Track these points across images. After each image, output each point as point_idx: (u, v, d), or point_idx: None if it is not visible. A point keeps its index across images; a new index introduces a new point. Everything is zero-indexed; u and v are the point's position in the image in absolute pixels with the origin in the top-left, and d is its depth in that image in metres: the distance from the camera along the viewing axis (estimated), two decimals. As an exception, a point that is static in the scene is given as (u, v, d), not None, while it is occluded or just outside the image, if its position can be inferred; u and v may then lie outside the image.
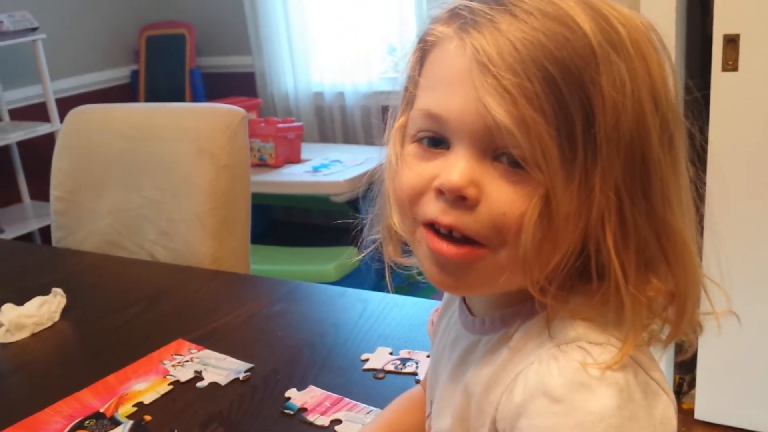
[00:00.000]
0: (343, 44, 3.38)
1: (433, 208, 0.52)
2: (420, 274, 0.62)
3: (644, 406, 0.49)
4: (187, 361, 1.07)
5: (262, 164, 3.10)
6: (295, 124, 3.19)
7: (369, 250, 0.67)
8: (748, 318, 1.76)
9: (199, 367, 1.05)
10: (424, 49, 0.56)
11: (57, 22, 3.38)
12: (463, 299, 0.64)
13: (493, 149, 0.50)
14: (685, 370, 2.11)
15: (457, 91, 0.50)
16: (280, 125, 3.10)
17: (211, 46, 3.77)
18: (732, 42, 1.77)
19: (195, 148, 1.50)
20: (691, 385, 2.03)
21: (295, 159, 3.13)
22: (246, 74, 3.71)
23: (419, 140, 0.55)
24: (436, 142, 0.53)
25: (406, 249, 0.63)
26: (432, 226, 0.53)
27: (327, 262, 2.75)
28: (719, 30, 1.76)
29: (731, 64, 1.78)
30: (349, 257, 2.77)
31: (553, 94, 0.47)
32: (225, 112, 1.53)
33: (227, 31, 3.72)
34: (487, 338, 0.58)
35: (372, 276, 2.81)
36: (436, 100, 0.52)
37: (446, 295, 0.71)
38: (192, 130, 1.53)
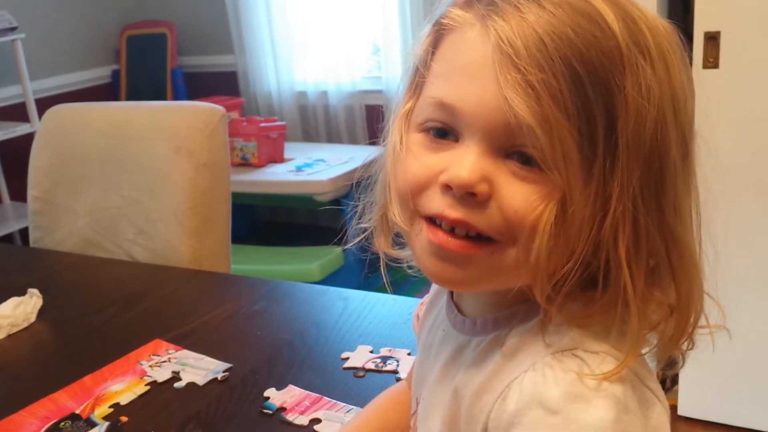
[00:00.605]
0: (326, 43, 3.36)
1: (438, 203, 0.50)
2: (410, 267, 0.61)
3: (639, 417, 0.48)
4: (164, 361, 1.06)
5: (245, 164, 3.08)
6: (277, 123, 3.17)
7: (357, 240, 0.64)
8: (731, 314, 1.76)
9: (176, 368, 1.04)
10: (440, 32, 0.52)
11: (37, 21, 3.34)
12: (451, 296, 0.62)
13: (507, 147, 0.48)
14: (668, 366, 2.11)
15: (476, 82, 0.48)
16: (263, 124, 3.09)
17: (193, 45, 3.74)
18: (713, 39, 1.78)
19: (174, 146, 1.48)
20: (675, 381, 2.04)
21: (278, 158, 3.11)
22: (228, 73, 3.69)
23: (426, 130, 0.52)
24: (444, 133, 0.51)
25: (397, 241, 0.61)
26: (433, 220, 0.51)
27: (310, 261, 2.74)
28: (700, 27, 1.76)
29: (712, 61, 1.79)
30: (332, 257, 2.76)
31: (578, 94, 0.45)
32: (204, 110, 1.52)
33: (209, 31, 3.70)
34: (478, 340, 0.56)
35: (356, 275, 2.81)
36: (450, 90, 0.49)
37: (433, 289, 0.69)
38: (171, 129, 1.51)
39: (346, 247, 0.69)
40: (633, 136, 0.46)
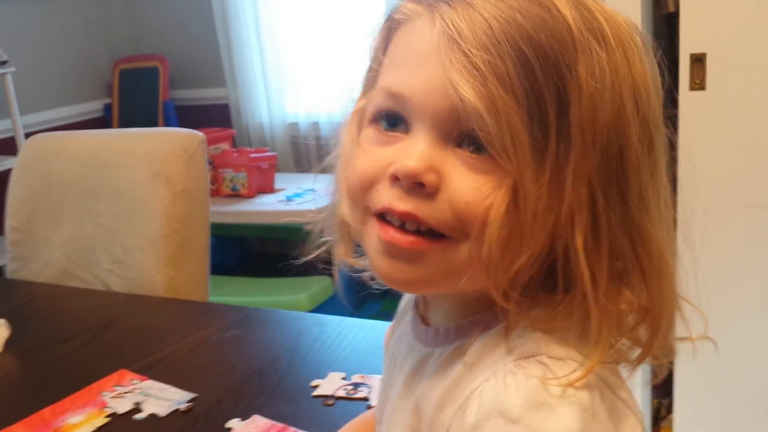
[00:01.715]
0: (317, 75, 3.36)
1: (387, 195, 0.48)
2: (373, 279, 0.58)
3: (609, 428, 0.45)
4: (127, 392, 1.01)
5: (234, 194, 3.06)
6: (268, 153, 3.16)
7: (317, 251, 0.61)
8: (725, 340, 1.72)
9: (139, 398, 0.99)
10: (391, 27, 0.52)
11: (28, 55, 3.35)
12: (416, 307, 0.59)
13: (457, 134, 0.46)
14: (663, 394, 2.06)
15: (423, 68, 0.46)
16: (253, 155, 3.07)
17: (185, 78, 3.75)
18: (699, 61, 1.76)
19: (150, 172, 1.45)
20: (669, 409, 1.98)
21: (268, 189, 3.09)
22: (220, 106, 3.69)
23: (377, 121, 0.50)
24: (394, 123, 0.49)
25: (359, 251, 0.58)
26: (384, 217, 0.49)
27: (299, 292, 2.70)
28: (686, 49, 1.75)
29: (698, 83, 1.77)
30: (321, 287, 2.72)
31: (527, 77, 0.43)
32: (182, 135, 1.49)
33: (201, 64, 3.71)
34: (440, 350, 0.53)
35: (347, 305, 2.77)
36: (398, 78, 0.49)
37: (400, 306, 0.67)
38: (148, 155, 1.49)
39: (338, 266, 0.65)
40: (587, 120, 0.44)
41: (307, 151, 3.50)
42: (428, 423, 0.51)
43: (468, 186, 0.45)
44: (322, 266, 0.65)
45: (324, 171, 0.61)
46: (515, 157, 0.44)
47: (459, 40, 0.44)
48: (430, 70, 0.46)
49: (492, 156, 0.45)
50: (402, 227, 0.48)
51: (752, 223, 1.74)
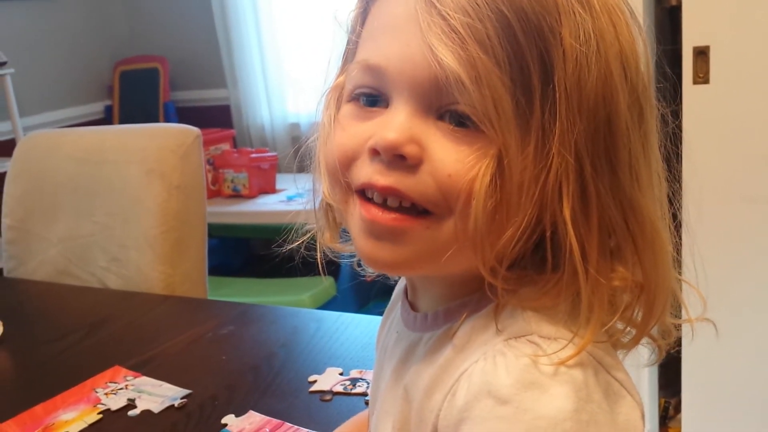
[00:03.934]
0: (318, 74, 3.34)
1: (367, 171, 0.46)
2: (360, 265, 0.57)
3: (605, 409, 0.42)
4: (121, 388, 0.99)
5: (236, 195, 3.05)
6: (269, 154, 3.14)
7: (302, 239, 0.60)
8: (733, 337, 1.69)
9: (133, 395, 0.97)
10: (368, 0, 0.50)
11: (28, 56, 3.34)
12: (406, 295, 0.57)
13: (437, 105, 0.44)
14: (671, 394, 2.03)
15: (400, 37, 0.45)
16: (254, 155, 3.06)
17: (185, 79, 3.73)
18: (702, 54, 1.74)
19: (145, 168, 1.44)
20: (678, 408, 1.96)
21: (269, 189, 3.07)
22: (221, 107, 3.67)
23: (356, 98, 0.49)
24: (374, 100, 0.47)
25: (345, 237, 0.56)
26: (365, 195, 0.47)
27: (302, 292, 2.68)
28: (689, 43, 1.73)
29: (702, 76, 1.75)
30: (324, 286, 2.70)
31: (508, 40, 0.42)
32: (177, 131, 1.47)
33: (202, 64, 3.69)
34: (429, 335, 0.51)
35: (350, 305, 2.74)
36: (375, 49, 0.47)
37: (392, 297, 0.64)
38: (142, 151, 1.47)
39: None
40: (573, 85, 0.42)
41: (308, 151, 3.47)
42: (418, 409, 0.49)
43: (451, 158, 0.44)
44: (326, 266, 0.63)
45: (303, 170, 0.60)
46: (498, 123, 0.42)
47: (436, 3, 0.42)
48: (407, 37, 0.44)
49: (474, 126, 0.43)
50: (384, 205, 0.46)
51: (754, 218, 1.71)
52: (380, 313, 0.68)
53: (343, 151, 0.48)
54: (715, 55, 1.70)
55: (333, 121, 0.51)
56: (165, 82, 3.60)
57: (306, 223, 0.62)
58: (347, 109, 0.49)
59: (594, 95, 0.42)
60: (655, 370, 1.98)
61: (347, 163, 0.48)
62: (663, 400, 2.05)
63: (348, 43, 0.53)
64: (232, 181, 3.05)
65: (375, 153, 0.45)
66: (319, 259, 0.59)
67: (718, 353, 1.75)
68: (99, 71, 3.75)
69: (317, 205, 0.58)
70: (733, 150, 1.71)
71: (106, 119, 3.77)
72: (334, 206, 0.53)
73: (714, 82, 1.72)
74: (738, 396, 1.80)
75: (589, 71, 0.42)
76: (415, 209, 0.45)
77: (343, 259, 0.62)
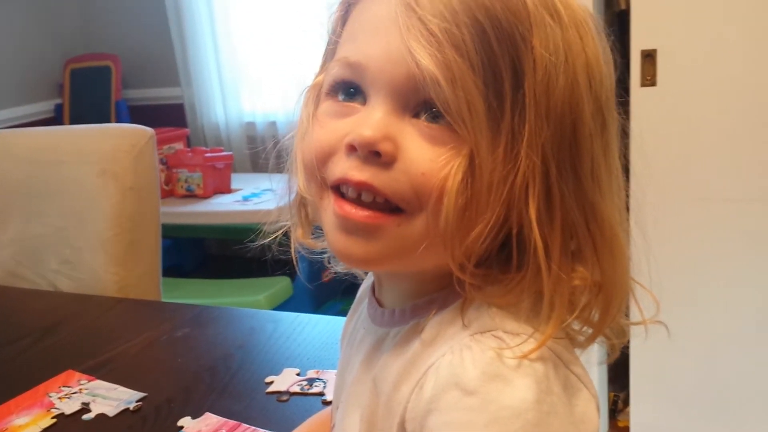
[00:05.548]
0: (274, 74, 3.33)
1: (343, 166, 0.48)
2: (330, 262, 0.58)
3: (564, 401, 0.45)
4: (75, 392, 0.99)
5: (190, 195, 3.02)
6: (224, 153, 3.12)
7: (276, 235, 0.61)
8: (680, 331, 1.75)
9: (87, 399, 0.96)
10: (350, 3, 0.52)
11: (-26, 54, 3.25)
12: (373, 292, 0.58)
13: (414, 104, 0.46)
14: (620, 387, 2.09)
15: (380, 37, 0.47)
16: (208, 155, 3.03)
17: (138, 77, 3.68)
18: (649, 57, 1.79)
19: (97, 169, 1.42)
20: (626, 402, 2.01)
21: (224, 189, 3.05)
22: (175, 105, 3.63)
23: (334, 92, 0.50)
24: (352, 93, 0.49)
25: (317, 233, 0.57)
26: (340, 190, 0.49)
27: (258, 292, 2.67)
28: (637, 46, 1.77)
29: (649, 79, 1.80)
30: (281, 287, 2.70)
31: (482, 46, 0.44)
32: (130, 131, 1.46)
33: (155, 63, 3.64)
34: (396, 330, 0.53)
35: (306, 305, 2.74)
36: (356, 48, 0.49)
37: (358, 294, 0.66)
38: (95, 152, 1.45)
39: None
40: (541, 92, 0.44)
41: (264, 151, 3.46)
42: (385, 402, 0.51)
43: (424, 156, 0.46)
44: (282, 266, 0.64)
45: (279, 170, 0.60)
46: (471, 124, 0.44)
47: (416, 8, 0.44)
48: (387, 38, 0.46)
49: (448, 126, 0.45)
50: (358, 200, 0.48)
51: (702, 216, 1.77)
52: (338, 313, 0.69)
53: (321, 146, 0.49)
54: (662, 58, 1.75)
55: (311, 118, 0.52)
56: (117, 81, 3.54)
57: (270, 223, 0.63)
58: (325, 105, 0.51)
59: (561, 102, 0.45)
60: (604, 368, 2.03)
61: (324, 158, 0.49)
62: (612, 394, 2.10)
63: (328, 44, 0.54)
64: (186, 180, 3.02)
65: (351, 149, 0.47)
66: (293, 255, 0.60)
67: (666, 349, 1.80)
68: (49, 69, 3.67)
69: (291, 201, 0.58)
70: (680, 151, 1.76)
71: (56, 118, 3.69)
72: (308, 202, 0.55)
73: (661, 85, 1.77)
74: (684, 389, 1.86)
75: (557, 80, 0.45)
76: (387, 206, 0.47)
77: (302, 261, 0.63)
